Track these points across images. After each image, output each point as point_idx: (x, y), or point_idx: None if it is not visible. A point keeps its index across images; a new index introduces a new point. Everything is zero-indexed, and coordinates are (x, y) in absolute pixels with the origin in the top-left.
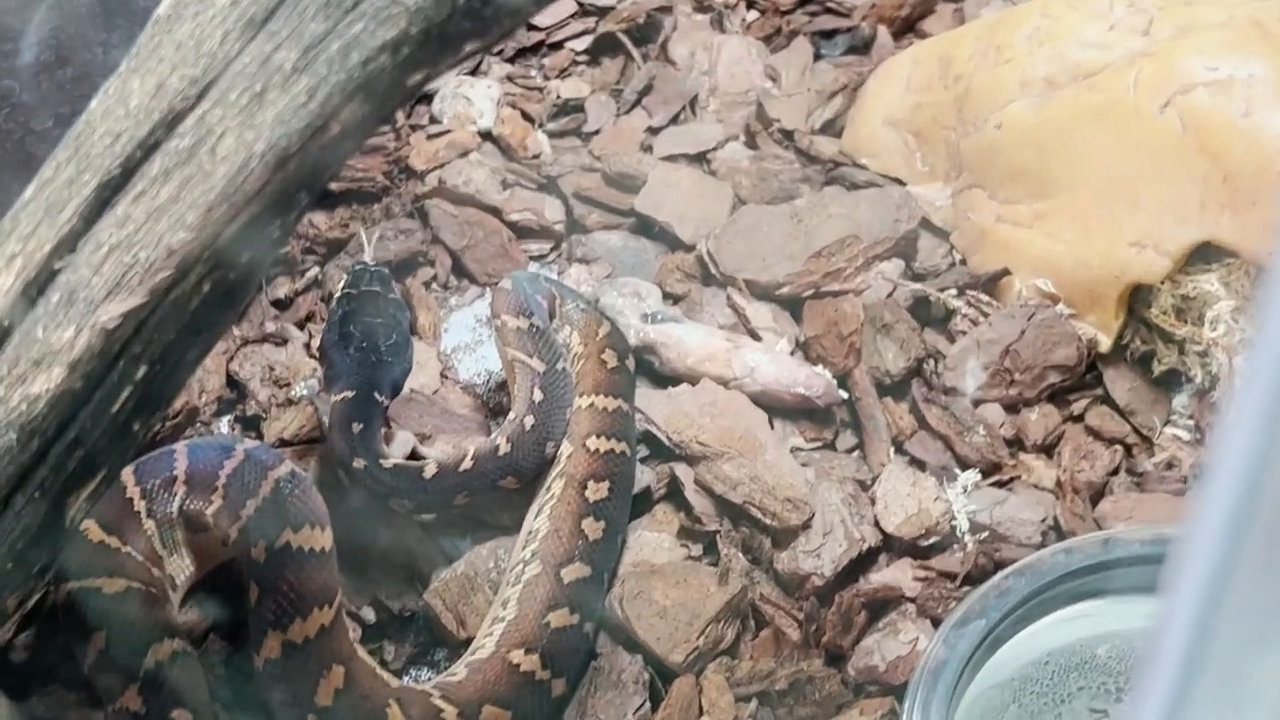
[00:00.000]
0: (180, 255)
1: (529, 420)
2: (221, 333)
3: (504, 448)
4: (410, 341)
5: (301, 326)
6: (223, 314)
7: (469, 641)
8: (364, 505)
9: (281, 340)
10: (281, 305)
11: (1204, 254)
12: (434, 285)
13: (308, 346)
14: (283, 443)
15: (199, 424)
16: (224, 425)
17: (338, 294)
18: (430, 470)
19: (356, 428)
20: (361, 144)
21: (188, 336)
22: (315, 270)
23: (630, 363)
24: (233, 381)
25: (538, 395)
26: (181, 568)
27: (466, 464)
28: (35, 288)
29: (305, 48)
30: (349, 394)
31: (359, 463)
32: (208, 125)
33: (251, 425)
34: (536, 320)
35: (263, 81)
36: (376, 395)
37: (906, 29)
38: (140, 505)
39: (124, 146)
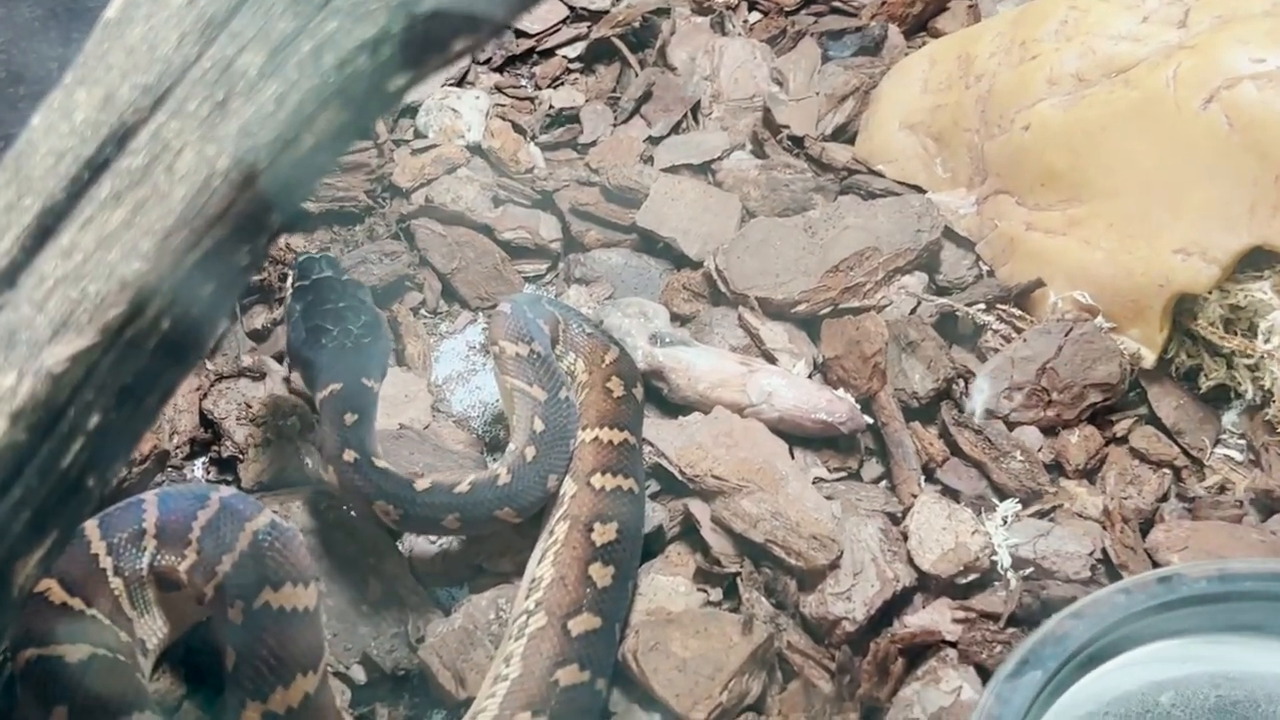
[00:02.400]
0: (135, 288)
1: (530, 451)
2: (184, 375)
3: (504, 478)
4: (380, 317)
5: (280, 359)
6: (186, 354)
7: (469, 702)
8: (352, 551)
9: (259, 374)
10: (258, 336)
11: (1255, 260)
12: (423, 311)
13: (288, 380)
14: (262, 487)
15: (169, 469)
16: (198, 469)
17: (290, 290)
18: (423, 484)
19: (350, 418)
20: (339, 158)
21: (146, 380)
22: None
23: (639, 391)
24: (207, 420)
25: (539, 425)
26: (153, 630)
27: (463, 487)
28: None
29: (272, 50)
30: (336, 386)
31: (349, 455)
32: (163, 140)
33: (228, 467)
34: (537, 346)
35: (225, 89)
36: (365, 381)
37: (919, 27)
38: (106, 562)
39: (69, 167)
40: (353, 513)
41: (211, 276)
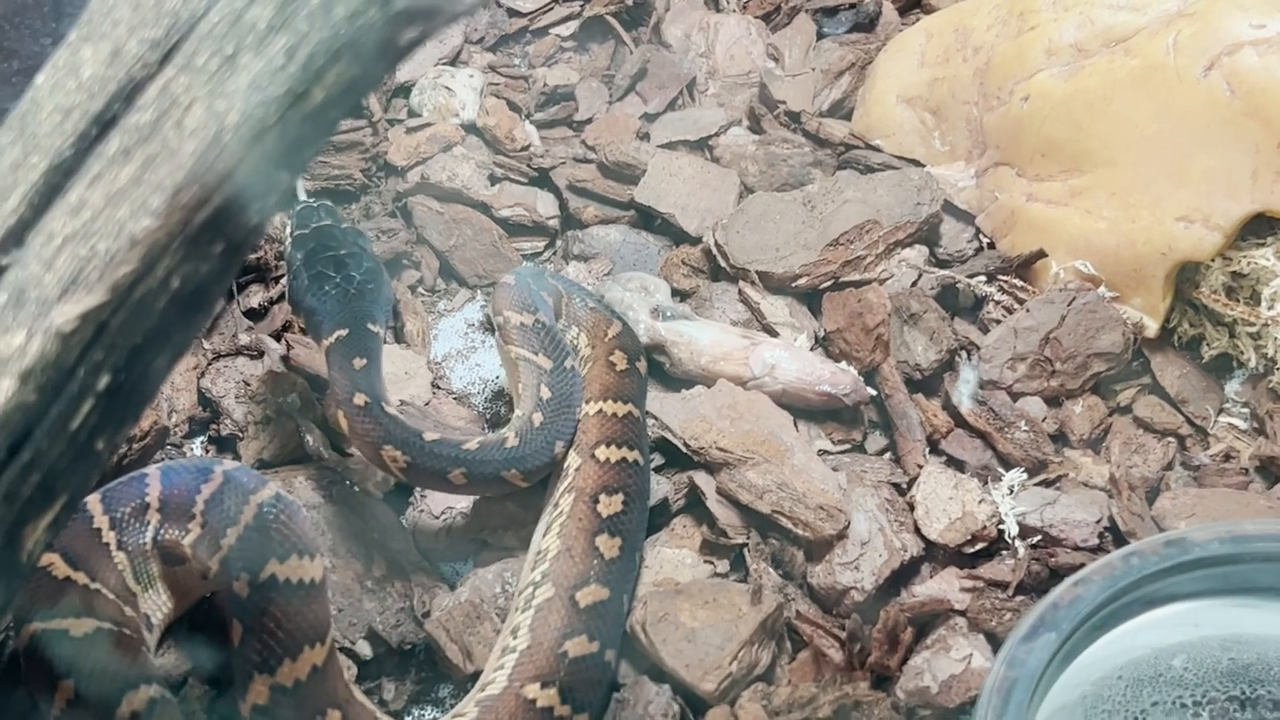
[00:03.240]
0: (145, 245)
1: (537, 417)
2: (195, 335)
3: (511, 440)
4: (380, 264)
5: (278, 338)
6: (195, 314)
7: (476, 675)
8: (356, 527)
9: (257, 353)
10: (255, 315)
11: (1257, 227)
12: (420, 289)
13: (285, 359)
14: (262, 464)
15: (169, 446)
16: (196, 447)
17: (289, 240)
18: (432, 435)
19: (359, 363)
20: (348, 113)
21: (156, 340)
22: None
23: (641, 365)
24: (205, 399)
25: (545, 393)
26: (157, 605)
27: (471, 445)
28: None
29: (282, 3)
30: (342, 333)
31: (360, 399)
32: (172, 95)
33: (227, 446)
34: (542, 316)
35: (234, 43)
36: (370, 327)
37: (913, 4)
38: (110, 536)
39: (76, 123)
40: (357, 458)
41: (221, 235)
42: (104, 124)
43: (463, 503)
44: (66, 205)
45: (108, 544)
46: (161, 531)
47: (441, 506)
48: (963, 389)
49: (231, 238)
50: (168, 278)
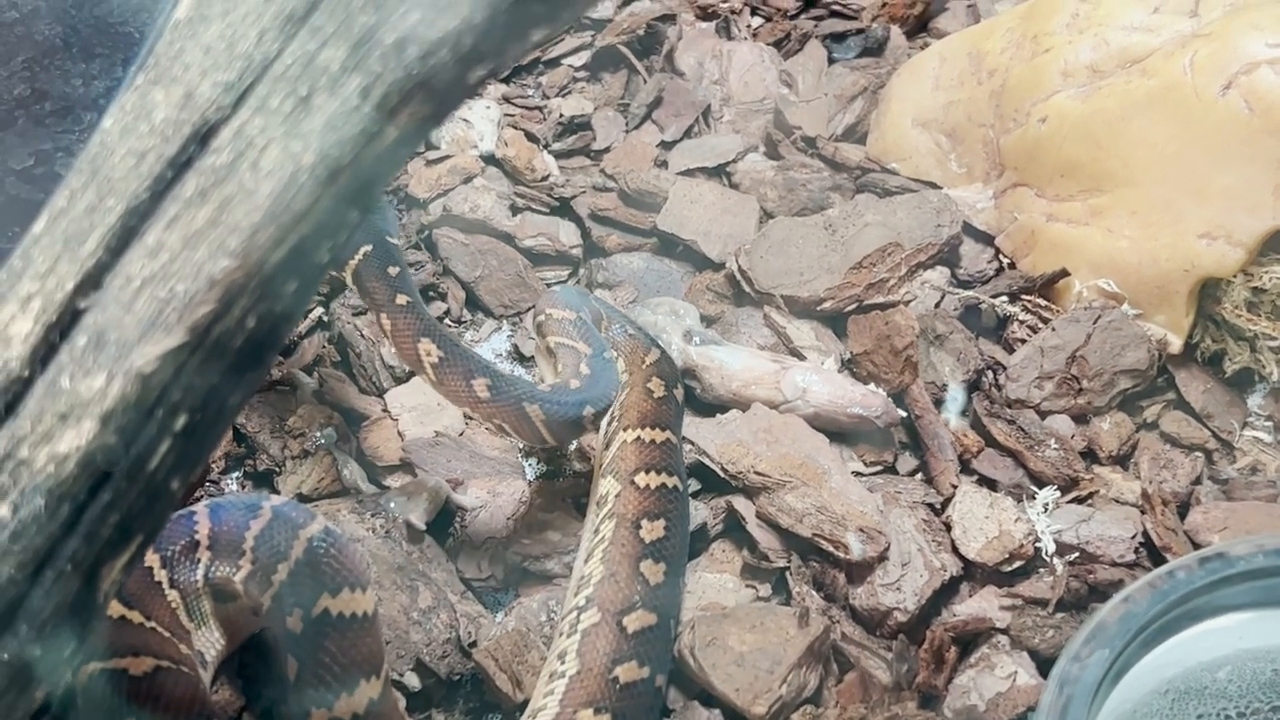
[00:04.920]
0: (223, 286)
1: (574, 383)
2: (265, 373)
3: (544, 387)
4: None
5: (310, 371)
6: (266, 352)
7: (525, 704)
8: (400, 559)
9: (290, 388)
10: (286, 350)
11: (1278, 243)
12: (448, 320)
13: (318, 393)
14: (301, 498)
15: (208, 483)
16: (233, 483)
17: None
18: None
19: (393, 270)
20: (416, 151)
21: (230, 379)
22: (319, 310)
23: (679, 391)
24: (240, 435)
25: (585, 370)
26: (211, 642)
27: (505, 370)
28: (58, 331)
29: (355, 43)
30: (367, 248)
31: (402, 299)
32: (247, 137)
33: (264, 481)
34: (584, 315)
35: (308, 84)
36: (390, 239)
37: (920, 28)
38: (161, 575)
39: (151, 166)
40: (398, 355)
41: (295, 274)
42: (179, 166)
43: (503, 531)
44: (144, 247)
45: (160, 582)
46: (213, 569)
47: (483, 537)
48: (950, 407)
49: (305, 276)
50: (244, 317)
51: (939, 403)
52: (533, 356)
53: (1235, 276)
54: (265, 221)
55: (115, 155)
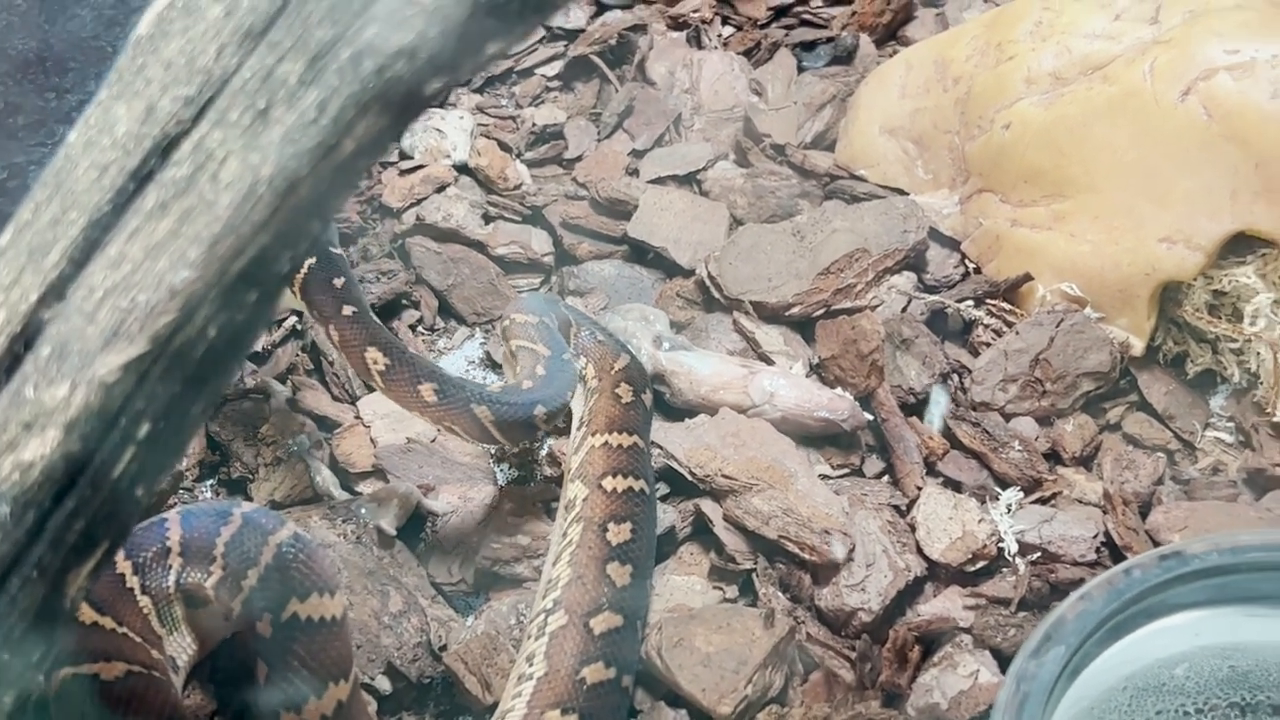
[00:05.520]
0: (184, 296)
1: (526, 383)
2: (227, 382)
3: (493, 388)
4: None
5: (283, 380)
6: (229, 361)
7: (494, 706)
8: (371, 564)
9: (264, 396)
10: (259, 359)
11: (1237, 246)
12: (421, 328)
13: (291, 401)
14: (274, 505)
15: (182, 490)
16: (207, 490)
17: None
18: (415, 348)
19: (339, 281)
20: (375, 163)
21: (193, 388)
22: (292, 319)
23: (647, 397)
24: (214, 443)
25: (540, 371)
26: (182, 647)
27: (452, 374)
28: (22, 342)
29: (312, 58)
30: (310, 261)
31: (348, 310)
32: (207, 150)
33: (238, 488)
34: (547, 320)
35: (266, 98)
36: (333, 250)
37: (889, 36)
38: (133, 581)
39: (113, 179)
40: (347, 366)
41: (255, 284)
42: (141, 179)
43: (474, 536)
44: (106, 259)
45: (132, 589)
46: (184, 575)
47: (454, 542)
48: (934, 411)
49: (265, 286)
50: (205, 327)
51: (907, 406)
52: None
53: (1195, 280)
54: (225, 232)
55: (79, 169)
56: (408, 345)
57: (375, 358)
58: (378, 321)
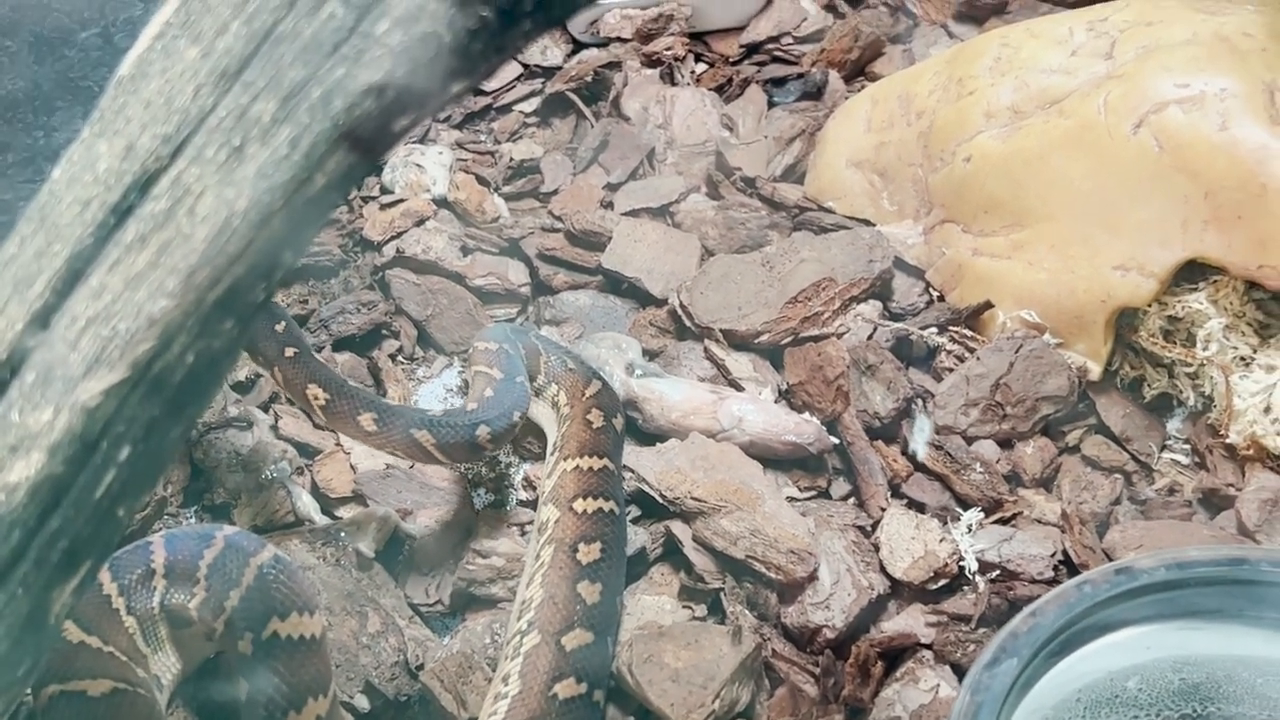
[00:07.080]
0: (162, 325)
1: (471, 405)
2: (205, 407)
3: (435, 412)
4: None
5: (265, 409)
6: (206, 387)
7: None
8: (350, 587)
9: (246, 424)
10: (242, 389)
11: (1189, 273)
12: (400, 357)
13: (274, 429)
14: (256, 529)
15: (166, 515)
16: (191, 516)
17: None
18: (355, 384)
19: (280, 326)
20: (346, 197)
21: (171, 413)
22: None
23: (618, 421)
24: (198, 470)
25: (488, 393)
26: (167, 666)
27: (393, 402)
28: (8, 369)
29: (284, 97)
30: None
31: (290, 351)
32: (184, 185)
33: (221, 514)
34: (508, 348)
35: (241, 135)
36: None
37: (857, 72)
38: (119, 602)
39: (95, 213)
40: (290, 400)
41: (231, 312)
42: (121, 213)
43: (450, 558)
44: (88, 289)
45: (118, 609)
46: (168, 596)
47: (431, 564)
48: (918, 436)
49: (240, 315)
50: (183, 354)
51: (872, 430)
52: None
53: (1150, 306)
54: (201, 263)
55: (62, 203)
56: (347, 379)
57: (315, 393)
58: (318, 359)
